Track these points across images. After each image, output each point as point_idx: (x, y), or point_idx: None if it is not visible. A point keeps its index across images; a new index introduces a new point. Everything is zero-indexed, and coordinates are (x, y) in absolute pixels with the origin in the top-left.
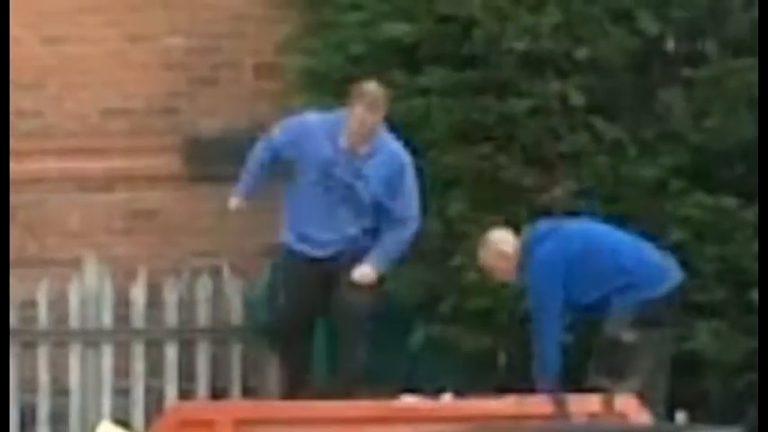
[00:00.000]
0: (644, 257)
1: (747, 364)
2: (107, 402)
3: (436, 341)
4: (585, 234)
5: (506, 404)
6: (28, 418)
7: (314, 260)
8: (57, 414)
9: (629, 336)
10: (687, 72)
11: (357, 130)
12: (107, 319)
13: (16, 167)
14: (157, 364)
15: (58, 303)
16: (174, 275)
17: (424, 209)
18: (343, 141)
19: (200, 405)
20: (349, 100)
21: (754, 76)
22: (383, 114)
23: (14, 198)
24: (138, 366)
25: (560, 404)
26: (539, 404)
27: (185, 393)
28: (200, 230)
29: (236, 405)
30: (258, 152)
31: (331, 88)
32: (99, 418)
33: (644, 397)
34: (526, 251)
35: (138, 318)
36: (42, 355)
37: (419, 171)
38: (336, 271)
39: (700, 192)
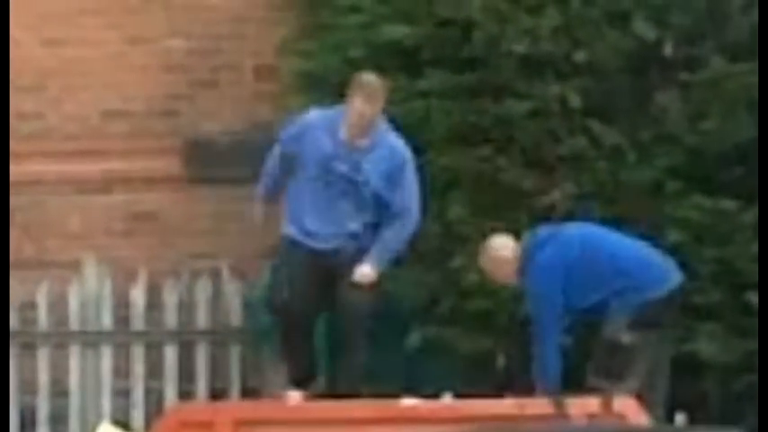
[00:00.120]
0: (644, 259)
1: (746, 365)
2: (107, 404)
3: (434, 342)
4: (585, 238)
5: (506, 405)
6: (28, 420)
7: (316, 253)
8: (56, 415)
9: (627, 337)
10: (684, 75)
11: (356, 122)
12: (107, 321)
13: (16, 169)
14: (157, 366)
15: (58, 305)
16: (174, 277)
17: (424, 210)
18: (343, 134)
19: (200, 406)
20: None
21: (752, 79)
22: (382, 106)
23: (13, 200)
24: (138, 368)
25: (559, 405)
26: (538, 405)
27: (185, 394)
28: (199, 232)
29: (236, 406)
30: (273, 152)
31: (329, 91)
32: (99, 419)
33: (643, 398)
34: (526, 256)
35: (137, 319)
36: (42, 356)
37: (419, 172)
38: (337, 268)
39: (697, 194)
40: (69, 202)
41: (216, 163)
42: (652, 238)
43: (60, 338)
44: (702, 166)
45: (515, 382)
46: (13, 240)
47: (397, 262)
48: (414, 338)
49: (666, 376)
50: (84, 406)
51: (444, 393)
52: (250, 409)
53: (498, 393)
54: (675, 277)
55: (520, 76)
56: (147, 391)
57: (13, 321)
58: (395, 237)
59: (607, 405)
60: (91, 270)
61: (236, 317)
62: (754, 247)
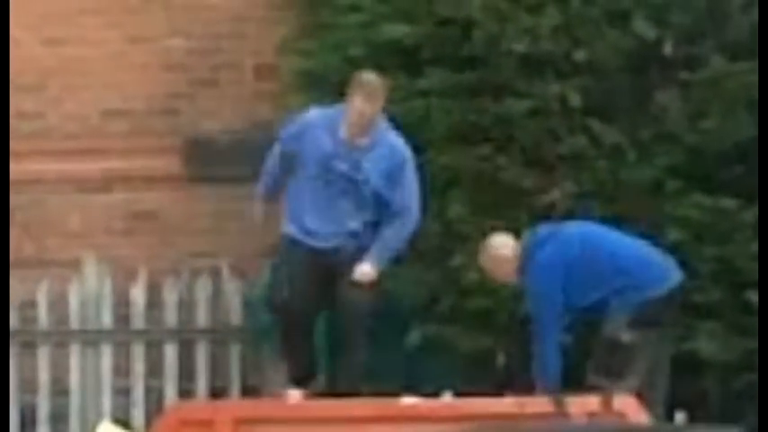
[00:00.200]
0: (644, 258)
1: (746, 364)
2: (107, 402)
3: (434, 341)
4: (585, 237)
5: (506, 404)
6: (28, 419)
7: (316, 252)
8: (57, 414)
9: (627, 336)
10: (684, 74)
11: (356, 121)
12: (107, 320)
13: (16, 168)
14: (157, 365)
15: (58, 304)
16: (174, 276)
17: (424, 209)
18: (343, 133)
19: (200, 405)
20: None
21: (752, 78)
22: (382, 104)
23: (14, 199)
24: (138, 366)
25: (559, 404)
26: (538, 404)
27: (185, 393)
28: (199, 231)
29: (236, 404)
30: (273, 151)
31: (329, 90)
32: (99, 418)
33: (643, 397)
34: (526, 255)
35: (137, 318)
36: (42, 355)
37: (419, 171)
38: (337, 267)
39: (697, 193)
40: (69, 201)
41: (216, 162)
42: (652, 236)
43: (60, 337)
44: (702, 164)
45: (515, 381)
46: (14, 239)
47: (398, 261)
48: (414, 337)
49: (666, 375)
50: (85, 404)
51: (444, 392)
52: (250, 407)
53: (498, 392)
54: (675, 276)
55: (520, 75)
56: (148, 390)
57: (14, 320)
58: (395, 235)
59: (607, 403)
60: (91, 269)
61: (236, 316)
62: (754, 246)
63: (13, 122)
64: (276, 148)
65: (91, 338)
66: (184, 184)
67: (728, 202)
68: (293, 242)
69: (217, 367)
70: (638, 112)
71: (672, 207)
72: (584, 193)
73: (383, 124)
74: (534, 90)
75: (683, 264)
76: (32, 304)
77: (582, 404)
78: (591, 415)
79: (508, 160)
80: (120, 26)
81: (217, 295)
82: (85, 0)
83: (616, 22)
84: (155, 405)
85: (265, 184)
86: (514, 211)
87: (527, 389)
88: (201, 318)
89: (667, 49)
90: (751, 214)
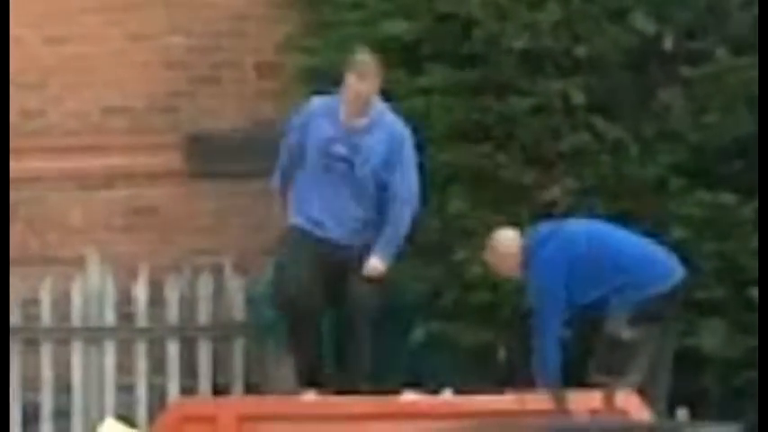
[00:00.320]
0: (647, 255)
1: (747, 361)
2: (110, 399)
3: (436, 337)
4: (588, 235)
5: (506, 401)
6: (31, 416)
7: (323, 244)
8: (60, 411)
9: (628, 333)
10: (686, 71)
11: (353, 101)
12: (109, 317)
13: (18, 166)
14: (160, 361)
15: (61, 301)
16: (176, 273)
17: (425, 205)
18: (342, 115)
19: (203, 401)
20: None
21: (753, 74)
22: (377, 83)
23: (16, 196)
24: (141, 363)
25: (560, 400)
26: (539, 400)
27: (188, 390)
28: (201, 228)
29: (239, 401)
30: (285, 143)
31: (333, 87)
32: (102, 415)
33: (645, 394)
34: (530, 250)
35: (140, 315)
36: (45, 352)
37: (420, 168)
38: (346, 263)
39: (700, 189)
40: (71, 198)
41: (217, 158)
42: (656, 234)
43: (63, 334)
44: (704, 161)
45: (517, 376)
46: (18, 236)
47: (400, 257)
48: (418, 334)
49: (669, 372)
50: (88, 402)
51: (444, 389)
52: (253, 404)
53: (500, 387)
54: (678, 273)
55: (521, 72)
56: (150, 387)
57: (17, 317)
58: (398, 220)
59: (609, 400)
60: (94, 266)
61: (238, 312)
62: (755, 241)
63: (16, 120)
64: (286, 140)
65: (94, 336)
66: (186, 181)
67: (729, 198)
68: (300, 234)
69: (219, 364)
70: (640, 109)
71: (676, 205)
72: (587, 189)
73: (380, 105)
74: (536, 88)
75: (686, 261)
76: (35, 301)
77: (583, 400)
78: (593, 412)
79: (509, 158)
80: (121, 24)
81: (219, 292)
82: None
83: (617, 19)
84: (158, 402)
85: (280, 178)
86: (515, 207)
87: (528, 384)
88: (204, 315)
89: (667, 44)
90: (751, 209)
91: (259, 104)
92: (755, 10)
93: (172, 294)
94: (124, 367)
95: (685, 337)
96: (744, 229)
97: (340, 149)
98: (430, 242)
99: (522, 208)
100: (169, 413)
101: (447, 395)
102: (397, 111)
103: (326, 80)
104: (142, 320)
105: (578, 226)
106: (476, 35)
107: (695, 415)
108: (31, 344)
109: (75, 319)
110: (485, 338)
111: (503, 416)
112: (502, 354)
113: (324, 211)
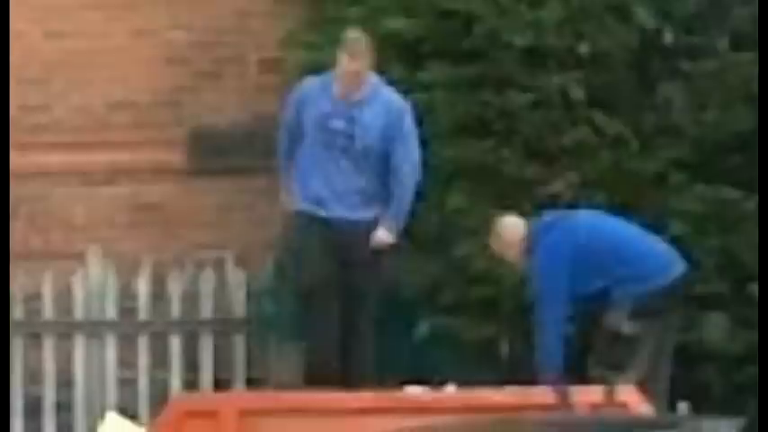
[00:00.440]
0: (649, 249)
1: (749, 356)
2: (112, 394)
3: (439, 331)
4: (592, 226)
5: (509, 395)
6: (33, 409)
7: (330, 225)
8: (62, 405)
9: (628, 328)
10: (686, 66)
11: (346, 78)
12: (111, 312)
13: (21, 161)
14: (162, 356)
15: (63, 296)
16: (178, 268)
17: (426, 200)
18: (336, 90)
19: (205, 396)
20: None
21: (753, 69)
22: (369, 60)
23: (19, 191)
24: (143, 358)
25: (562, 394)
26: (541, 395)
27: (189, 384)
28: (203, 223)
29: (241, 395)
30: (282, 123)
31: None
32: (104, 409)
33: (646, 388)
34: (534, 238)
35: (142, 310)
36: (48, 346)
37: (423, 164)
38: (351, 245)
39: (700, 184)
40: (74, 194)
41: (220, 154)
42: (656, 228)
43: (66, 329)
44: (704, 155)
45: (519, 370)
46: (20, 232)
47: (399, 251)
48: (422, 329)
49: (669, 366)
50: (90, 396)
51: (447, 383)
52: (254, 398)
53: (502, 381)
54: (678, 267)
55: (522, 68)
56: (152, 382)
57: (19, 312)
58: (402, 193)
59: (610, 395)
60: (96, 261)
61: (240, 307)
62: (756, 237)
63: (19, 115)
64: (282, 118)
65: (96, 330)
66: (189, 177)
67: (729, 192)
68: (307, 220)
69: (221, 359)
70: (640, 104)
71: (676, 200)
72: (587, 183)
73: (375, 79)
74: (536, 83)
75: (687, 256)
76: (38, 296)
77: (585, 395)
78: (594, 406)
79: (511, 152)
80: (124, 19)
81: (221, 287)
82: None
83: (618, 14)
84: (159, 396)
85: (282, 154)
86: (518, 201)
87: (531, 378)
88: (206, 309)
89: (668, 38)
90: (752, 204)
91: (261, 100)
92: (755, 5)
93: (174, 289)
94: (126, 361)
95: (687, 332)
96: (744, 224)
97: (338, 124)
98: (431, 237)
99: (524, 202)
100: (171, 408)
101: (450, 389)
102: None
103: None
104: (144, 315)
105: (583, 216)
106: (476, 30)
107: (696, 409)
108: (34, 338)
109: (78, 314)
110: (487, 333)
111: (505, 410)
112: (505, 348)
113: (324, 187)
